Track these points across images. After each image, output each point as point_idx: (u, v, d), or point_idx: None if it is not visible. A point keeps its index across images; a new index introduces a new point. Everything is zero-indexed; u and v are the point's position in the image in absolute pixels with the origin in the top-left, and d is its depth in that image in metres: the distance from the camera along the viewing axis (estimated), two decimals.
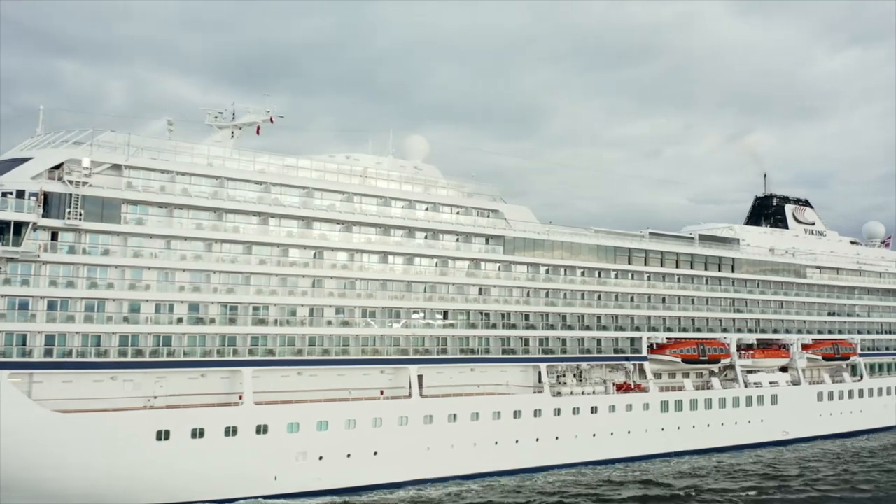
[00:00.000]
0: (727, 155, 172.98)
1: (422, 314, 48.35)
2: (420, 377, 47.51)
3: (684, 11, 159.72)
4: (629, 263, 58.54)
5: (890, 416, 73.95)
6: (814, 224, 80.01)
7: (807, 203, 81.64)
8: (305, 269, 44.20)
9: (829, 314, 73.10)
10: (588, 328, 55.85)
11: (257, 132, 48.90)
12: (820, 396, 68.51)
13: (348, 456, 42.70)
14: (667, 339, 59.78)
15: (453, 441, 46.45)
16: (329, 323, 44.69)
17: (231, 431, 39.39)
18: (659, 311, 60.04)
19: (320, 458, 41.86)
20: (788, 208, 79.08)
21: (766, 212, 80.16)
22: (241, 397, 40.32)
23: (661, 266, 60.56)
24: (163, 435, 37.64)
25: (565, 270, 55.60)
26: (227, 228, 41.91)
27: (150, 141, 42.12)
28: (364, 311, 46.12)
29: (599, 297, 57.11)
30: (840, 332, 73.86)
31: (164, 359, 39.42)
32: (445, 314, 49.54)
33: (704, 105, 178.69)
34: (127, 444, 36.69)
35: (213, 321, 41.09)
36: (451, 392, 48.35)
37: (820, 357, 69.89)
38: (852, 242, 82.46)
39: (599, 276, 57.52)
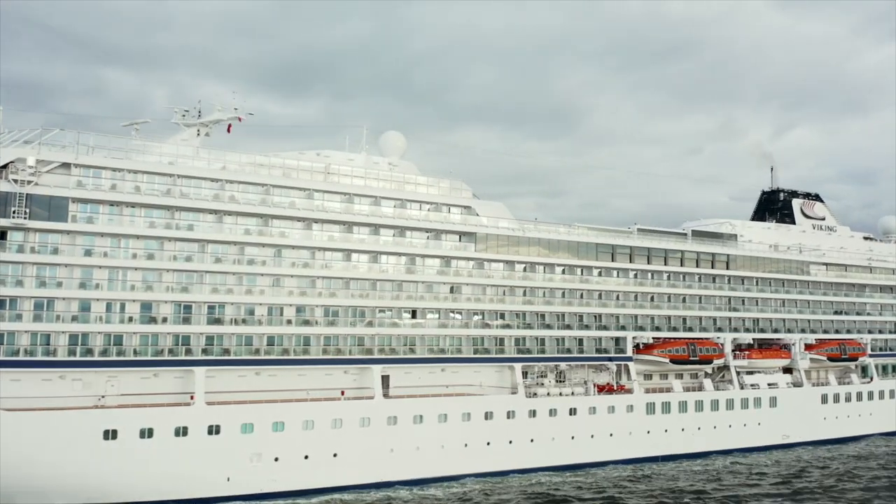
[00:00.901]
0: (773, 150, 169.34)
1: (388, 313, 47.49)
2: (386, 377, 46.71)
3: (724, 6, 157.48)
4: (612, 260, 56.81)
5: None
6: (823, 219, 76.91)
7: (817, 197, 78.57)
8: (264, 268, 43.69)
9: (835, 313, 70.11)
10: (568, 327, 54.35)
11: (228, 130, 48.71)
12: (824, 399, 65.64)
13: (306, 457, 42.01)
14: (654, 338, 57.84)
15: (419, 443, 45.42)
16: (289, 322, 44.11)
17: (181, 432, 39.00)
18: (646, 310, 58.14)
19: (276, 459, 41.24)
20: (796, 203, 76.16)
21: (773, 207, 77.38)
22: (192, 397, 39.97)
23: (648, 263, 58.63)
24: (110, 434, 37.43)
25: (544, 268, 54.23)
26: (180, 226, 41.61)
27: (116, 140, 42.25)
28: (326, 310, 45.43)
29: (581, 296, 55.61)
30: (849, 331, 70.81)
31: (114, 358, 39.26)
32: (414, 313, 48.59)
33: (746, 100, 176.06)
34: (73, 443, 36.54)
35: (165, 320, 40.82)
36: (421, 393, 47.39)
37: (825, 358, 67.05)
38: (866, 238, 79.04)
39: (582, 273, 56.00)
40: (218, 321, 42.12)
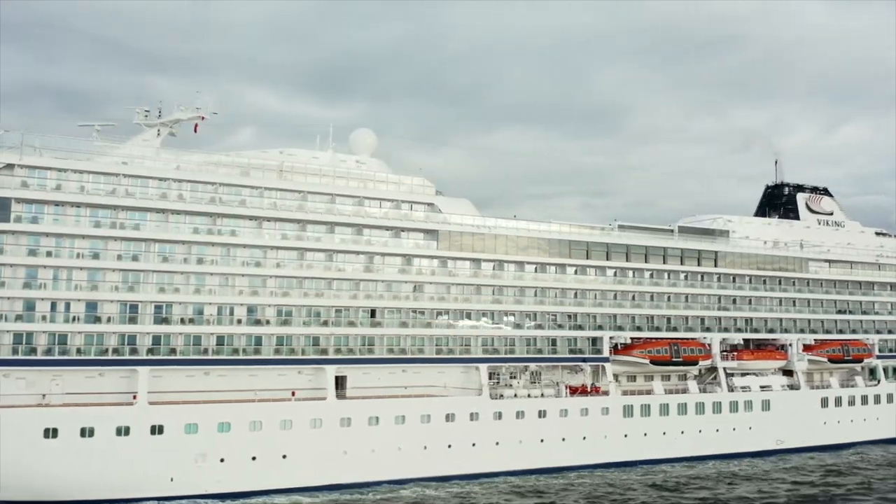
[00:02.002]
0: (821, 147, 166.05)
1: (345, 313, 47.00)
2: (342, 378, 46.33)
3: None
4: (587, 258, 55.31)
5: None
6: (831, 214, 73.82)
7: (825, 191, 75.50)
8: (212, 267, 43.72)
9: (838, 312, 67.13)
10: (540, 327, 53.12)
11: (195, 130, 49.02)
12: (824, 402, 62.83)
13: (253, 459, 41.82)
14: (633, 338, 56.14)
15: (374, 445, 44.83)
16: (239, 322, 44.04)
17: (123, 431, 39.19)
18: (625, 309, 56.49)
19: (221, 460, 41.14)
20: (801, 197, 73.27)
21: (777, 202, 74.63)
22: (135, 397, 40.16)
23: (627, 260, 56.93)
24: (51, 433, 37.85)
25: (516, 266, 53.13)
26: (125, 226, 41.89)
27: (66, 141, 42.83)
28: (279, 309, 45.24)
29: (556, 295, 54.32)
30: (854, 331, 67.73)
31: (57, 357, 39.70)
32: (373, 313, 48.03)
33: (793, 96, 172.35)
34: (12, 441, 36.98)
35: (110, 320, 41.14)
36: (380, 394, 46.83)
37: (825, 359, 64.20)
38: (878, 233, 75.65)
39: (556, 271, 54.68)
40: (165, 321, 42.29)
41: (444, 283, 50.13)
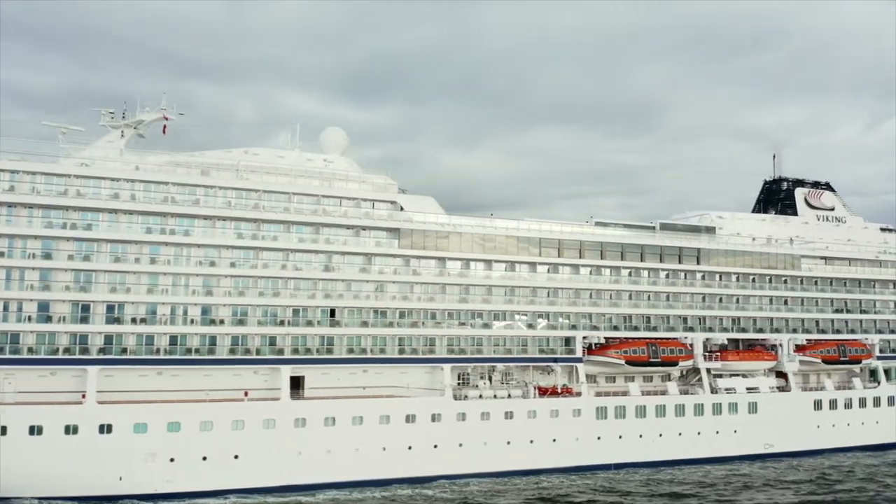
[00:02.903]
0: (868, 143, 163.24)
1: (303, 313, 47.16)
2: (300, 379, 46.53)
3: None
4: (559, 256, 54.59)
5: None
6: (832, 209, 71.75)
7: (827, 186, 73.43)
8: (165, 267, 44.31)
9: (836, 311, 65.10)
10: (510, 326, 52.58)
11: (163, 131, 49.92)
12: (818, 405, 60.97)
13: (204, 459, 42.23)
14: (609, 338, 55.20)
15: (331, 446, 44.89)
16: (192, 322, 44.55)
17: (71, 430, 39.94)
18: (600, 308, 55.60)
19: (171, 459, 41.64)
20: (799, 193, 71.39)
21: (775, 197, 72.90)
22: (84, 395, 40.87)
23: (602, 258, 56.04)
24: (0, 430, 38.76)
25: (484, 265, 52.70)
26: (77, 226, 42.71)
27: (36, 143, 44.18)
28: (234, 309, 45.63)
29: (526, 294, 53.69)
30: (853, 331, 65.63)
31: (9, 356, 40.62)
32: (332, 312, 48.12)
33: (838, 90, 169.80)
34: None
35: (62, 319, 41.96)
36: (340, 395, 46.87)
37: (819, 360, 62.30)
38: (883, 229, 73.29)
39: (528, 270, 54.09)
40: (117, 321, 43.03)
41: (407, 281, 50.03)
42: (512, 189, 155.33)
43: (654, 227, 60.60)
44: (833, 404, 61.69)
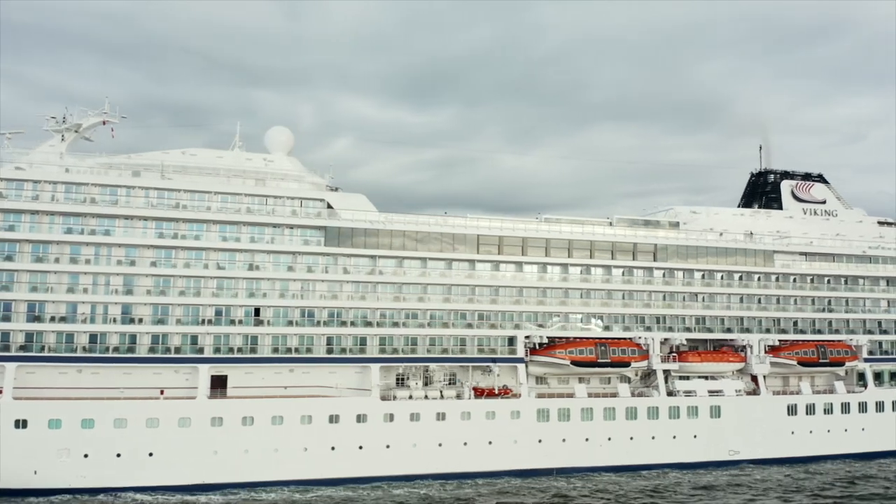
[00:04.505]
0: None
1: (226, 311, 48.59)
2: (223, 378, 47.95)
3: None
4: (499, 253, 54.57)
5: None
6: (823, 202, 69.40)
7: (820, 178, 71.08)
8: (86, 267, 46.47)
9: (817, 310, 62.76)
10: (446, 325, 52.85)
11: (112, 134, 52.61)
12: (792, 410, 58.86)
13: (118, 455, 44.04)
14: (554, 338, 54.83)
15: (248, 446, 46.14)
16: (113, 321, 46.54)
17: None
18: (545, 307, 55.33)
19: (85, 455, 43.61)
20: (786, 185, 69.42)
21: (761, 190, 71.01)
22: (0, 391, 43.24)
23: (546, 255, 55.70)
24: None
25: (420, 263, 53.15)
26: None
27: None
28: (155, 308, 47.44)
29: (469, 292, 53.94)
30: (837, 331, 63.17)
31: None
32: (257, 311, 49.43)
33: None
34: None
35: None
36: (265, 394, 48.06)
37: (794, 362, 60.16)
38: (881, 223, 70.39)
39: (468, 268, 54.30)
40: (37, 319, 45.39)
41: (335, 280, 50.99)
42: (571, 189, 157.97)
43: (610, 223, 59.98)
44: (810, 409, 59.44)
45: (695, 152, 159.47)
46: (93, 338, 46.32)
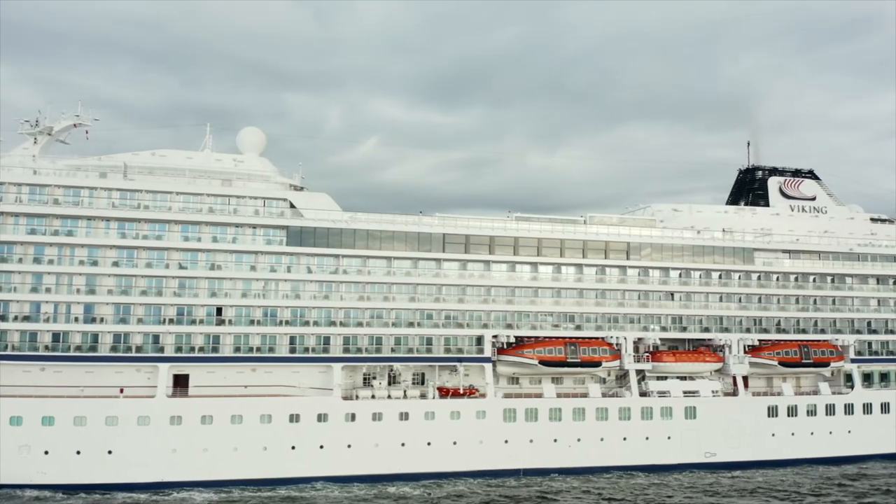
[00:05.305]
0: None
1: (187, 311, 49.68)
2: (184, 377, 49.06)
3: None
4: (466, 252, 54.93)
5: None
6: (812, 199, 68.57)
7: (810, 174, 70.25)
8: (49, 267, 47.94)
9: (801, 309, 61.97)
10: (412, 325, 53.36)
11: (86, 136, 54.30)
12: (772, 412, 58.22)
13: (78, 453, 45.31)
14: (524, 337, 55.03)
15: (207, 445, 47.12)
16: (76, 320, 47.91)
17: None
18: (514, 307, 55.52)
19: (46, 452, 44.97)
20: (773, 182, 68.74)
21: (749, 187, 70.37)
22: None
23: (514, 254, 55.90)
24: None
25: (386, 262, 53.72)
26: None
27: None
28: (117, 307, 48.70)
29: (441, 291, 54.42)
30: (823, 331, 62.32)
31: None
32: (219, 311, 50.45)
33: None
34: None
35: None
36: (228, 393, 49.04)
37: (775, 362, 59.49)
38: (874, 220, 69.32)
39: (436, 267, 54.76)
40: (1, 318, 46.96)
41: (298, 280, 51.78)
42: (601, 188, 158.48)
43: (583, 221, 60.01)
44: (792, 411, 58.68)
45: (728, 150, 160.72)
46: (56, 337, 47.80)
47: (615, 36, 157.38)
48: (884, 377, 63.39)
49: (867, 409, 60.83)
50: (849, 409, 60.33)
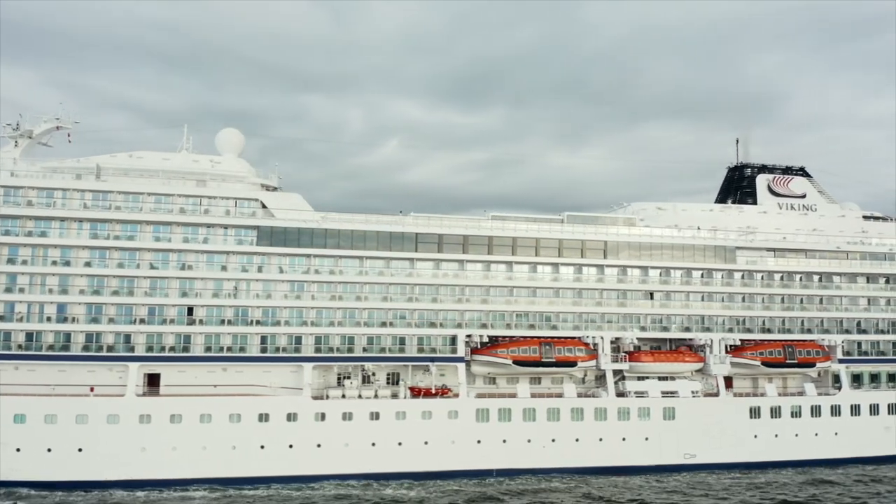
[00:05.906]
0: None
1: (159, 310, 50.68)
2: (157, 376, 50.02)
3: None
4: (439, 252, 55.29)
5: (886, 442, 60.08)
6: (803, 196, 68.01)
7: (802, 171, 69.77)
8: (22, 267, 49.18)
9: (786, 308, 61.40)
10: (384, 324, 53.87)
11: (69, 139, 55.66)
12: (755, 412, 57.76)
13: (49, 450, 46.42)
14: (498, 337, 55.27)
15: (176, 443, 48.01)
16: (49, 319, 49.10)
17: None
18: (489, 306, 55.76)
19: (17, 449, 46.17)
20: (761, 180, 68.30)
21: (737, 185, 70.04)
22: None
23: (489, 253, 56.16)
24: None
25: (359, 261, 54.31)
26: None
27: None
28: (89, 307, 49.82)
29: (414, 291, 54.86)
30: (809, 331, 61.67)
31: None
32: (190, 310, 51.36)
33: None
34: None
35: None
36: (198, 392, 49.87)
37: (758, 362, 59.02)
38: (867, 217, 68.56)
39: (410, 266, 55.20)
40: None
41: (270, 279, 52.54)
42: (623, 187, 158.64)
43: (561, 220, 60.09)
44: (776, 412, 58.19)
45: (751, 148, 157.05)
46: (29, 336, 49.07)
47: (635, 34, 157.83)
48: (874, 378, 62.61)
49: (855, 410, 60.09)
50: (835, 410, 59.65)
